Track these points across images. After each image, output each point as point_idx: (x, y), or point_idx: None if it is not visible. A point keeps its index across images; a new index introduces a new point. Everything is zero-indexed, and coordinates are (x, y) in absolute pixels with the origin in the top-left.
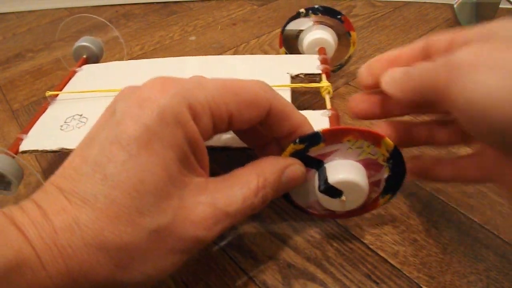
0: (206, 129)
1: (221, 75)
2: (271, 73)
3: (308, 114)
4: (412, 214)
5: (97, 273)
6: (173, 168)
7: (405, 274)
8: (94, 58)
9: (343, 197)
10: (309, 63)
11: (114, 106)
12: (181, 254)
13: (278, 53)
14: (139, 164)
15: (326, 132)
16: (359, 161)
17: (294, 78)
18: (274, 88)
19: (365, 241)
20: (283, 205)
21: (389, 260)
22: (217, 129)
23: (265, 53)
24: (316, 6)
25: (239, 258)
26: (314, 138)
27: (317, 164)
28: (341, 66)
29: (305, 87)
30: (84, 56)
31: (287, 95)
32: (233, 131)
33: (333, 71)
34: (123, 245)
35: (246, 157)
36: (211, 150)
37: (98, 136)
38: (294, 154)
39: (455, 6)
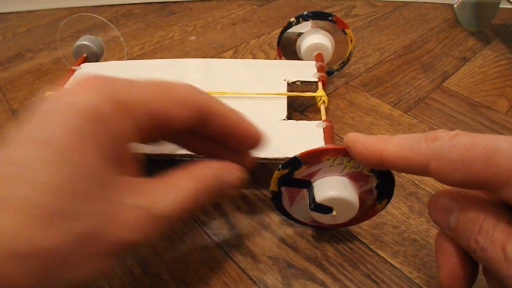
0: (142, 128)
1: (221, 78)
2: (269, 79)
3: (304, 125)
4: (412, 214)
5: (15, 284)
6: (99, 169)
7: (405, 274)
8: (94, 57)
9: (334, 212)
10: (306, 70)
11: (37, 106)
12: (108, 258)
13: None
14: (64, 165)
15: (303, 155)
16: (344, 175)
17: (291, 85)
18: (271, 96)
19: (365, 241)
20: None
21: (389, 260)
22: (156, 129)
23: (265, 53)
24: (305, 13)
25: (239, 258)
26: (295, 162)
27: (306, 184)
28: (343, 64)
29: (301, 96)
30: (84, 55)
31: (283, 103)
32: (179, 143)
33: (337, 70)
34: (45, 251)
35: None
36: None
37: (19, 136)
38: (281, 179)
39: (455, 6)
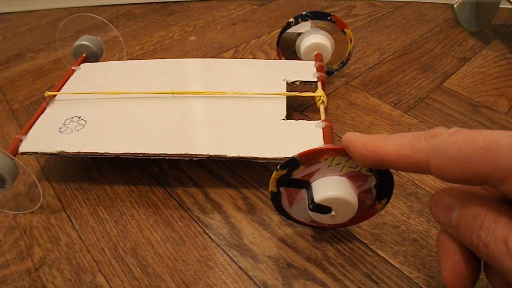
0: None
1: (220, 78)
2: (268, 79)
3: (303, 124)
4: (412, 214)
5: None
6: None
7: (405, 274)
8: (93, 57)
9: (333, 212)
10: (306, 70)
11: None
12: None
13: None
14: None
15: (301, 156)
16: (342, 175)
17: (290, 85)
18: (270, 96)
19: (365, 241)
20: None
21: (389, 260)
22: None
23: (265, 53)
24: (304, 13)
25: (239, 258)
26: (293, 162)
27: (305, 185)
28: (343, 63)
29: (300, 96)
30: (84, 55)
31: (282, 102)
32: None
33: (337, 69)
34: None
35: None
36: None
37: None
38: (280, 180)
39: (455, 6)
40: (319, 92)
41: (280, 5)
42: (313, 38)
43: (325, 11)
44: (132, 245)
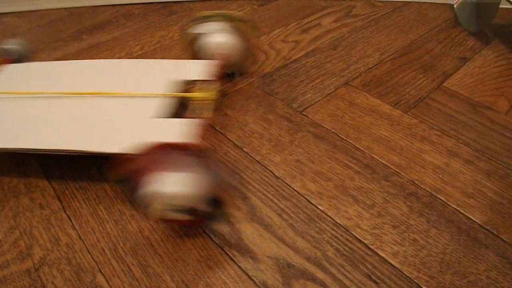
0: None
1: (106, 78)
2: (155, 78)
3: (169, 122)
4: (412, 214)
5: None
6: None
7: (405, 274)
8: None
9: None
10: (197, 70)
11: None
12: None
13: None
14: None
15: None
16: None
17: (181, 84)
18: (150, 95)
19: (365, 241)
20: (283, 205)
21: (389, 260)
22: None
23: (265, 53)
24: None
25: (239, 258)
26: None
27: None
28: (234, 73)
29: (189, 95)
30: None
31: (157, 101)
32: None
33: (239, 73)
34: None
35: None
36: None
37: None
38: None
39: (455, 6)
40: (207, 92)
41: (280, 5)
42: (214, 38)
43: (325, 11)
44: (132, 245)
